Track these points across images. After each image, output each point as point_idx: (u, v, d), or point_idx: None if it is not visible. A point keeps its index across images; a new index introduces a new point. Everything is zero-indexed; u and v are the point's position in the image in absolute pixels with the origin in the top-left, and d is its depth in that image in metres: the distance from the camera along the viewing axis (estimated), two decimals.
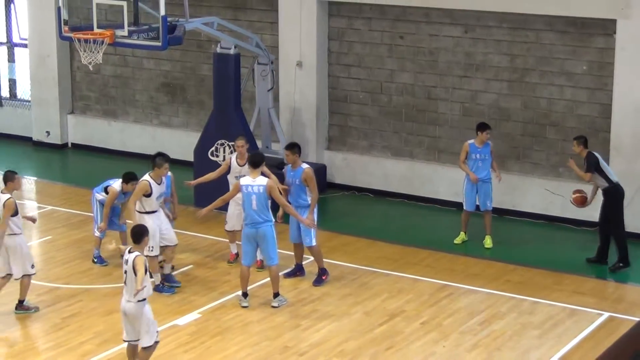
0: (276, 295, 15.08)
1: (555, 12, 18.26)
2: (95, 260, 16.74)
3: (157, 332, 12.57)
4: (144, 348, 12.47)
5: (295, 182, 15.63)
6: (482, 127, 17.53)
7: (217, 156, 19.35)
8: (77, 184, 21.38)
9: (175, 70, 22.75)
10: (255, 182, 14.78)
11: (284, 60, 20.79)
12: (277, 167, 18.82)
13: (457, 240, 17.86)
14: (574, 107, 18.71)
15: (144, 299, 12.32)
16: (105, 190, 16.43)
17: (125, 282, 12.41)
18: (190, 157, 20.03)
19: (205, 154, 19.49)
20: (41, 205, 20.07)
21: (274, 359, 13.42)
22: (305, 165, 15.70)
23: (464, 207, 17.79)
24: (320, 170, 20.42)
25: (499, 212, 18.80)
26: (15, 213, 14.38)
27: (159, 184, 15.46)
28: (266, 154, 19.76)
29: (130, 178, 16.11)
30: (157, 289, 15.27)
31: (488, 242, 17.71)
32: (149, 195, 15.31)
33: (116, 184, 16.35)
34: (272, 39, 20.98)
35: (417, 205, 19.98)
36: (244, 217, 14.93)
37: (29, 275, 14.61)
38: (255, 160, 15.03)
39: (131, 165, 22.28)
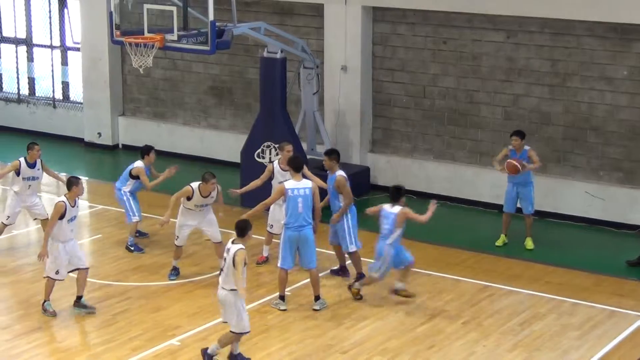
0: (317, 298, 15.06)
1: (597, 18, 18.14)
2: (132, 248, 17.02)
3: (247, 323, 12.80)
4: (232, 332, 12.81)
5: (330, 187, 15.64)
6: (512, 134, 17.51)
7: (264, 158, 19.39)
8: None
9: (223, 74, 22.82)
10: (300, 184, 14.79)
11: (329, 65, 20.79)
12: (321, 169, 18.83)
13: (499, 243, 17.75)
14: (614, 111, 18.56)
15: (235, 290, 12.53)
16: (132, 176, 17.08)
17: (221, 269, 12.76)
18: (237, 159, 20.09)
19: (252, 155, 19.53)
20: (92, 205, 20.19)
21: (317, 357, 13.43)
22: (339, 172, 15.60)
23: (504, 209, 17.70)
24: (363, 173, 20.40)
25: (540, 215, 18.68)
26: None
27: (204, 197, 15.71)
28: (311, 156, 19.88)
29: (146, 150, 17.41)
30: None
31: (529, 243, 17.60)
32: (189, 198, 15.67)
33: (138, 163, 17.24)
34: (317, 43, 20.98)
35: (459, 207, 19.92)
36: (287, 221, 14.83)
37: (85, 269, 14.73)
38: (297, 165, 15.04)
39: (180, 165, 22.50)
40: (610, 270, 16.58)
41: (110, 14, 19.05)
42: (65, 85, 25.51)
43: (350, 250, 15.58)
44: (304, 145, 19.95)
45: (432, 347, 13.74)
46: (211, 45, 18.07)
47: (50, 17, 25.26)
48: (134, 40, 18.32)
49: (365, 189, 20.25)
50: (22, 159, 16.97)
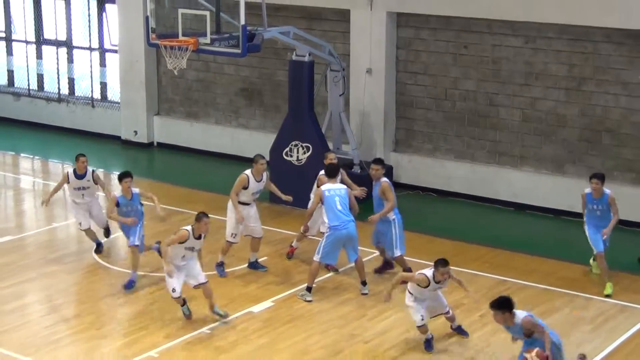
0: (364, 283, 15.32)
1: (614, 25, 18.11)
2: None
3: None
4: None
5: (375, 194, 15.57)
6: (591, 176, 15.67)
7: (291, 156, 19.49)
8: (162, 180, 21.65)
9: (253, 76, 22.92)
10: (336, 186, 15.15)
11: (354, 68, 20.86)
12: (348, 167, 18.95)
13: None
14: (628, 114, 18.55)
15: None
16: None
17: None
18: (266, 157, 20.15)
19: (281, 154, 19.65)
20: None
21: (341, 346, 13.51)
22: (383, 179, 15.52)
23: (596, 251, 15.66)
24: (386, 171, 20.44)
25: (556, 213, 18.72)
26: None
27: (258, 181, 15.74)
28: (337, 155, 19.93)
29: (120, 178, 15.77)
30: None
31: (608, 289, 15.46)
32: (246, 187, 15.69)
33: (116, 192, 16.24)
34: (343, 47, 21.05)
35: (478, 205, 19.94)
36: (332, 224, 14.82)
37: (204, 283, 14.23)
38: (332, 171, 15.46)
39: (212, 163, 22.68)
40: (622, 267, 16.54)
41: (147, 17, 19.13)
42: (104, 86, 25.68)
43: (396, 255, 15.61)
44: (330, 145, 20.01)
45: (451, 338, 13.81)
46: (242, 49, 18.13)
47: (89, 21, 25.45)
48: (169, 43, 18.41)
49: None
50: (70, 170, 16.68)
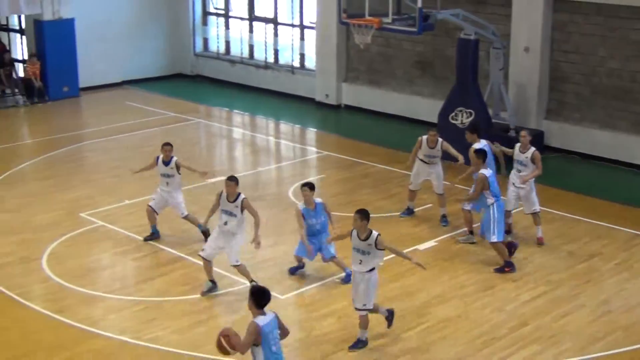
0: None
1: None
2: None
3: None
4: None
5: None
6: None
7: (456, 120, 19.19)
8: (347, 136, 21.72)
9: (426, 51, 22.63)
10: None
11: (514, 46, 20.30)
12: (504, 131, 18.54)
13: None
14: None
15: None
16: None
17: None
18: (434, 119, 19.94)
19: (447, 117, 19.38)
20: (319, 151, 20.53)
21: (494, 282, 13.29)
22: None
23: None
24: (539, 136, 19.94)
25: None
26: None
27: (431, 148, 15.37)
28: (495, 120, 19.57)
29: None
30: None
31: None
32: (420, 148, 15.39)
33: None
34: (505, 28, 20.50)
35: (618, 169, 19.15)
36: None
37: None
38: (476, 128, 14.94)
39: (389, 123, 22.59)
40: None
41: (339, 0, 19.19)
42: (302, 56, 25.85)
43: (492, 241, 13.65)
44: (490, 111, 19.63)
45: (589, 282, 13.37)
46: (418, 27, 18.02)
47: (292, 2, 25.63)
48: (357, 22, 18.44)
49: (539, 149, 19.61)
50: (160, 156, 14.65)
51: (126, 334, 11.59)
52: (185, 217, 14.73)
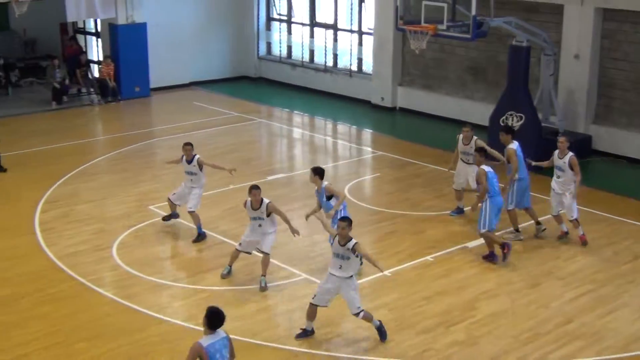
0: (518, 230, 14.73)
1: None
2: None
3: None
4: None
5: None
6: None
7: (506, 123, 19.04)
8: (402, 137, 21.66)
9: (479, 57, 22.48)
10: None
11: (564, 53, 20.05)
12: (553, 134, 18.32)
13: None
14: None
15: None
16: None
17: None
18: (485, 122, 19.80)
19: (497, 120, 19.21)
20: (374, 151, 20.52)
21: (538, 280, 13.16)
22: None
23: None
24: (586, 140, 19.67)
25: None
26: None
27: (465, 145, 15.42)
28: (544, 124, 19.34)
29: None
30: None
31: None
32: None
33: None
34: (556, 35, 20.26)
35: None
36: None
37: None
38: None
39: (442, 126, 22.47)
40: None
41: (396, 7, 19.17)
42: (359, 61, 25.86)
43: (480, 231, 13.67)
44: (540, 116, 19.40)
45: (632, 282, 13.17)
46: (472, 34, 17.92)
47: (351, 9, 25.65)
48: (413, 28, 18.39)
49: (587, 153, 19.50)
50: (183, 155, 14.50)
51: (191, 320, 11.75)
52: (191, 213, 14.49)
